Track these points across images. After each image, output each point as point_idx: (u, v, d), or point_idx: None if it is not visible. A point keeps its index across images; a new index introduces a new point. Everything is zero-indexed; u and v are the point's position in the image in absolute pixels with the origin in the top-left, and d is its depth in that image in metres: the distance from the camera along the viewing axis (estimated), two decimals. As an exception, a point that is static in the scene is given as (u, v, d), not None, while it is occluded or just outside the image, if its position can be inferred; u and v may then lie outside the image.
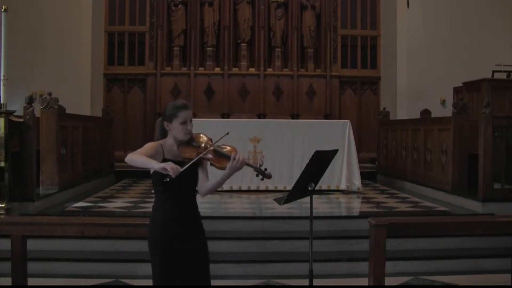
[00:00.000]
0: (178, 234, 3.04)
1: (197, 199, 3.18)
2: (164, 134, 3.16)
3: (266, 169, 3.13)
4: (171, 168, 2.83)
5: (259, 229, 5.85)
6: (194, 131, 3.15)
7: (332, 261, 5.33)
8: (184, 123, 3.08)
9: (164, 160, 3.02)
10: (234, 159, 3.00)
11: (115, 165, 10.12)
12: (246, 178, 7.61)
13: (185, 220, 3.08)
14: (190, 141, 3.12)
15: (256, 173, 3.13)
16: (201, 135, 3.17)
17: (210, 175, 3.21)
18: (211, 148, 3.06)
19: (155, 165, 2.89)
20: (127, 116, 11.45)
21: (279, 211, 6.12)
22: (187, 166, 2.97)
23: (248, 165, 3.08)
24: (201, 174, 3.14)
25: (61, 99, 7.22)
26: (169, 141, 3.12)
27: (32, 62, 10.25)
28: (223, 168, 3.06)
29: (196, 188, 3.18)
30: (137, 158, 2.95)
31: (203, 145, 3.11)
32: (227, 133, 3.17)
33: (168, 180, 2.86)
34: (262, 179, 3.17)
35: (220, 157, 3.07)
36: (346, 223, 6.05)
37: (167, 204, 3.05)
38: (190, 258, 3.06)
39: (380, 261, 3.82)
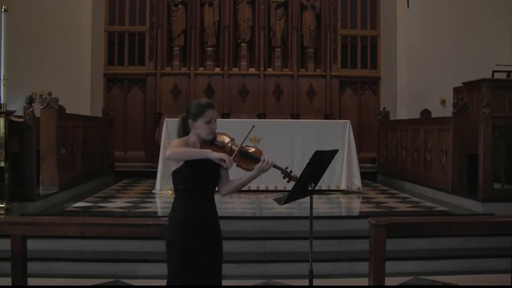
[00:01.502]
0: (198, 234, 3.03)
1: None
2: (185, 131, 3.15)
3: (291, 171, 3.15)
4: (228, 160, 2.85)
5: (259, 229, 5.85)
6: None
7: (332, 261, 5.32)
8: (209, 122, 3.06)
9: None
10: (264, 161, 3.01)
11: (115, 165, 10.13)
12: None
13: (205, 220, 3.08)
14: (213, 140, 3.10)
15: (282, 175, 3.14)
16: (223, 134, 3.16)
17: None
18: (238, 149, 3.05)
19: (211, 155, 2.91)
20: (127, 116, 11.45)
21: (279, 211, 6.12)
22: (235, 153, 3.00)
23: (275, 167, 3.08)
24: (223, 173, 3.13)
25: (61, 99, 7.22)
26: (192, 138, 3.11)
27: (32, 62, 10.25)
28: (249, 170, 3.07)
29: (217, 188, 3.17)
30: (183, 151, 2.95)
31: (227, 145, 3.09)
32: (253, 126, 3.18)
33: (223, 172, 2.93)
34: (288, 181, 3.21)
35: (247, 158, 3.07)
36: (346, 223, 6.05)
37: (188, 202, 3.04)
38: (207, 258, 3.06)
39: (380, 261, 3.82)
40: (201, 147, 3.08)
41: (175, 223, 3.05)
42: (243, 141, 3.09)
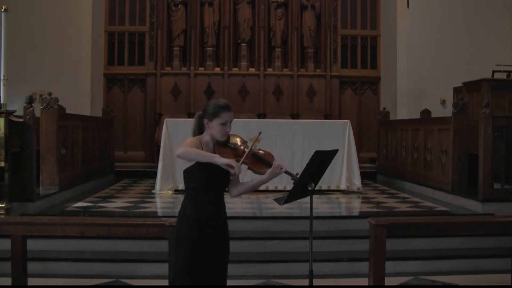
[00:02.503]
0: (207, 233, 3.04)
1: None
2: (200, 130, 3.17)
3: (297, 174, 3.16)
4: (237, 166, 2.86)
5: (259, 229, 5.85)
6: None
7: (332, 261, 5.32)
8: (224, 124, 3.07)
9: None
10: (277, 166, 3.02)
11: (115, 165, 10.13)
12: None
13: (214, 219, 3.09)
14: (227, 142, 3.12)
15: (293, 181, 3.16)
16: (236, 136, 3.18)
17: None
18: (251, 152, 3.06)
19: (218, 160, 2.90)
20: (127, 116, 11.44)
21: (279, 211, 6.12)
22: (242, 159, 2.99)
23: (286, 172, 3.10)
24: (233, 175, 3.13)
25: (61, 99, 7.22)
26: (205, 138, 3.13)
27: (32, 62, 10.24)
28: (260, 173, 3.09)
29: (227, 189, 3.18)
30: (194, 152, 2.96)
31: (240, 147, 3.11)
32: (260, 133, 3.24)
33: (232, 177, 2.91)
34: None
35: (259, 161, 3.09)
36: (346, 223, 6.05)
37: (199, 201, 3.04)
38: (214, 258, 3.07)
39: (380, 261, 3.82)
40: (213, 147, 3.10)
41: (185, 221, 3.06)
42: (253, 144, 3.11)
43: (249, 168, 3.10)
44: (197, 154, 2.97)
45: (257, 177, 3.15)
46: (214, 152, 3.07)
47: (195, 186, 3.05)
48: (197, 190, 3.05)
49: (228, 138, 3.13)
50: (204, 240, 3.03)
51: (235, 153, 3.08)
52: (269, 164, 3.07)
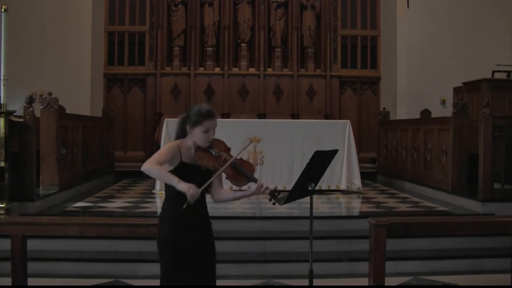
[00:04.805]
0: (189, 233, 3.04)
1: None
2: (183, 133, 3.14)
3: (279, 194, 3.19)
4: (191, 194, 2.85)
5: (259, 229, 5.85)
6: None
7: (332, 261, 5.32)
8: (207, 131, 3.05)
9: (181, 163, 3.02)
10: (261, 187, 3.07)
11: (115, 165, 10.14)
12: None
13: (195, 221, 3.08)
14: (209, 148, 3.09)
15: (269, 197, 3.18)
16: (220, 142, 3.16)
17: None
18: (230, 162, 3.04)
19: (176, 185, 2.89)
20: (127, 116, 11.45)
21: (279, 211, 6.12)
22: (204, 186, 2.96)
23: (270, 194, 3.15)
24: (215, 180, 3.13)
25: (61, 99, 7.23)
26: (187, 142, 3.10)
27: (32, 62, 10.25)
28: (237, 185, 3.10)
29: (210, 193, 3.18)
30: (156, 172, 2.93)
31: (222, 155, 3.08)
32: (250, 142, 3.20)
33: (185, 206, 2.87)
34: (274, 204, 3.23)
35: (237, 173, 3.08)
36: (346, 223, 6.05)
37: (178, 204, 3.02)
38: (198, 258, 3.07)
39: (380, 261, 3.82)
40: (195, 152, 3.07)
41: (165, 224, 3.06)
42: (237, 155, 3.07)
43: (227, 178, 3.10)
44: (160, 175, 2.97)
45: (242, 192, 3.19)
46: (195, 157, 3.06)
47: (173, 190, 3.00)
48: (176, 193, 3.00)
49: (212, 144, 3.11)
50: (186, 240, 3.03)
51: (215, 160, 3.05)
52: (247, 177, 3.07)
